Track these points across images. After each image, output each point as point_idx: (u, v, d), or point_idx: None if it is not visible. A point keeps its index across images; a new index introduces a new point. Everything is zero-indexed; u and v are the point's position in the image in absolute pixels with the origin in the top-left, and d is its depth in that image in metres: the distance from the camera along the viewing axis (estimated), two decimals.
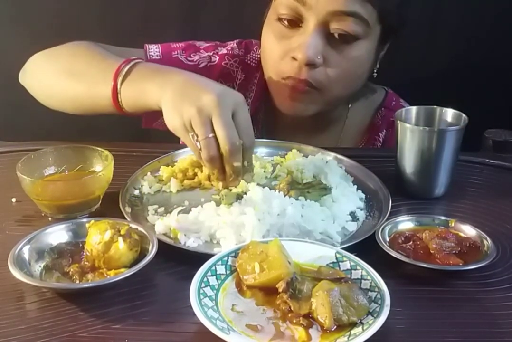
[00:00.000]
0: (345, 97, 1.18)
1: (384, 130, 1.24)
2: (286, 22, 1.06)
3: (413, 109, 0.99)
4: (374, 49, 1.11)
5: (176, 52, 1.21)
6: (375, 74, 1.17)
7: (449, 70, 1.50)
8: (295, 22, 1.05)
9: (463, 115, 0.95)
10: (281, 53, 1.07)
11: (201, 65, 1.21)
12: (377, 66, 1.16)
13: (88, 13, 1.56)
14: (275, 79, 1.11)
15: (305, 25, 1.05)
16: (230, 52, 1.23)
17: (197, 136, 0.86)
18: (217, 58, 1.22)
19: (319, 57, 1.04)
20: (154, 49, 1.21)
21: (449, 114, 0.97)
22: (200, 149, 0.86)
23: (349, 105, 1.24)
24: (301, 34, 1.05)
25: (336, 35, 1.04)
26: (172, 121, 0.88)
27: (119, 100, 0.99)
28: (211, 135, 0.85)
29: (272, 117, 1.23)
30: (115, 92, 0.98)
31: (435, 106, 0.99)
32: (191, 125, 0.86)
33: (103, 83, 0.99)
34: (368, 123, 1.25)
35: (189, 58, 1.21)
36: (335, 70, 1.07)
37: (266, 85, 1.18)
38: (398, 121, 0.94)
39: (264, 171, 1.01)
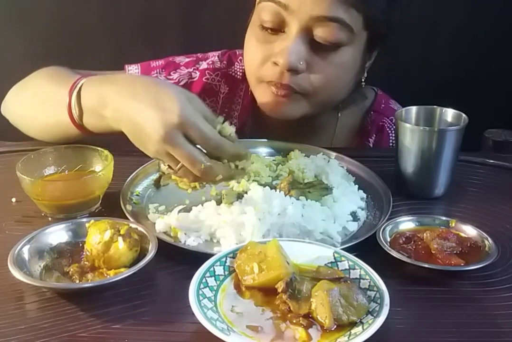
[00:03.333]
0: (332, 103, 1.14)
1: (374, 135, 1.22)
2: (268, 28, 1.03)
3: (413, 109, 0.99)
4: (360, 56, 1.08)
5: (155, 71, 1.21)
6: (363, 83, 1.14)
7: (449, 70, 1.50)
8: (277, 27, 1.02)
9: (463, 115, 0.95)
10: (263, 57, 1.04)
11: (182, 83, 1.20)
12: (365, 75, 1.13)
13: (88, 13, 1.56)
14: (256, 83, 1.08)
15: (288, 31, 1.02)
16: (211, 66, 1.22)
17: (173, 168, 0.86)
18: (198, 73, 1.21)
19: (301, 62, 1.01)
20: (133, 70, 1.21)
21: (449, 114, 0.97)
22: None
23: (339, 112, 1.21)
24: (284, 39, 1.02)
25: (319, 40, 1.01)
26: (144, 151, 0.88)
27: (83, 127, 0.98)
28: (179, 166, 0.85)
29: (260, 127, 1.21)
30: (73, 119, 0.97)
31: (435, 106, 0.99)
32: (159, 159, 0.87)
33: (62, 109, 0.97)
34: (357, 128, 1.23)
35: (169, 77, 1.21)
36: (319, 77, 1.03)
37: (252, 95, 1.16)
38: (398, 121, 0.94)
39: (270, 170, 1.01)
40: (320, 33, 1.00)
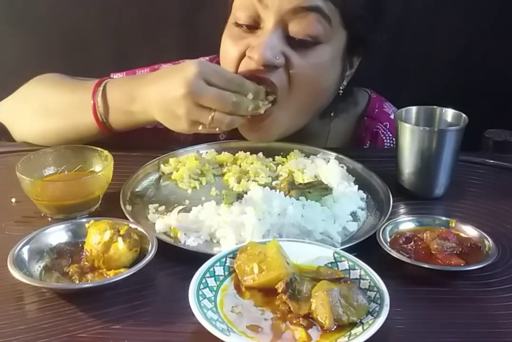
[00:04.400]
0: (314, 109, 1.09)
1: (368, 142, 1.20)
2: (244, 24, 1.01)
3: (413, 109, 0.99)
4: (340, 58, 1.04)
5: None
6: (341, 92, 1.10)
7: (449, 70, 1.50)
8: (253, 23, 1.00)
9: (463, 115, 0.95)
10: (238, 54, 1.02)
11: None
12: (345, 83, 1.10)
13: (88, 14, 1.56)
14: None
15: (264, 26, 0.99)
16: None
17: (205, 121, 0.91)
18: None
19: (277, 57, 0.97)
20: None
21: (449, 114, 0.97)
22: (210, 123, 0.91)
23: (331, 121, 1.17)
24: (259, 35, 1.00)
25: (297, 35, 0.98)
26: (178, 130, 0.97)
27: (107, 126, 1.03)
28: (211, 114, 0.91)
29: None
30: (97, 118, 1.02)
31: (435, 106, 0.98)
32: (193, 120, 0.92)
33: (84, 111, 1.02)
34: (351, 135, 1.21)
35: None
36: (298, 73, 0.99)
37: None
38: (398, 121, 0.94)
39: (270, 170, 1.01)
40: (297, 26, 0.97)
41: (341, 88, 1.10)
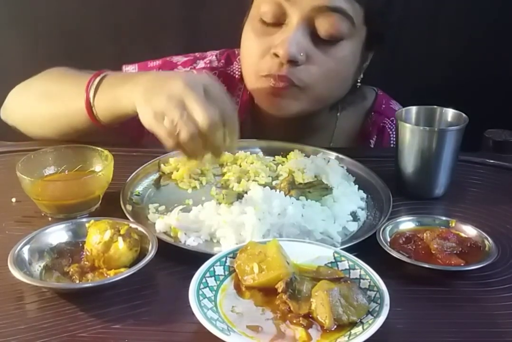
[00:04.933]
0: (329, 101, 1.13)
1: (375, 136, 1.22)
2: (268, 20, 1.02)
3: (413, 109, 0.99)
4: (359, 52, 1.07)
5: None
6: (358, 84, 1.14)
7: (449, 70, 1.50)
8: (277, 19, 1.02)
9: (463, 115, 0.95)
10: (262, 50, 1.03)
11: None
12: (361, 76, 1.13)
13: (88, 14, 1.56)
14: (254, 78, 1.07)
15: (289, 22, 1.01)
16: (208, 65, 1.22)
17: (173, 121, 0.83)
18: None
19: (301, 54, 1.00)
20: (131, 70, 1.21)
21: (449, 114, 0.97)
22: (178, 132, 0.83)
23: (338, 113, 1.20)
24: (284, 31, 1.01)
25: (320, 33, 1.00)
26: (145, 115, 0.86)
27: (94, 113, 1.00)
28: (186, 114, 0.83)
29: (259, 128, 1.20)
30: (89, 105, 0.99)
31: (435, 106, 0.98)
32: (163, 114, 0.84)
33: (77, 98, 1.00)
34: (358, 129, 1.23)
35: None
36: (319, 70, 1.02)
37: (250, 95, 1.15)
38: (398, 121, 0.94)
39: (270, 170, 1.01)
40: (322, 24, 1.00)
41: (358, 80, 1.13)
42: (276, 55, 1.01)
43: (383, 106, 1.23)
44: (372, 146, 1.22)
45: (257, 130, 1.20)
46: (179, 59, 1.24)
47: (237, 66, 1.22)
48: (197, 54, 1.25)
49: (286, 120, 1.11)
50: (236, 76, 1.22)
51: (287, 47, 0.99)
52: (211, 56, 1.24)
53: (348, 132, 1.22)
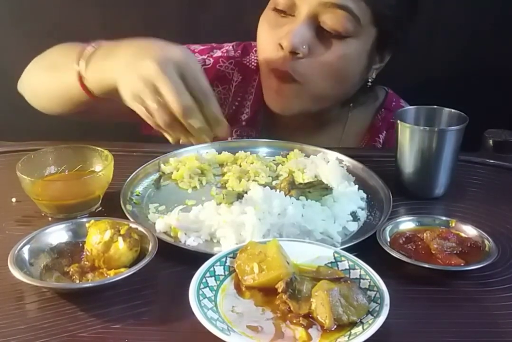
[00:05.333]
0: (333, 99, 1.15)
1: (384, 131, 1.23)
2: (280, 10, 1.06)
3: (413, 109, 0.99)
4: (367, 52, 1.09)
5: None
6: (369, 84, 1.16)
7: (449, 70, 1.50)
8: (288, 10, 1.05)
9: (463, 115, 0.95)
10: (272, 41, 1.07)
11: None
12: (374, 76, 1.15)
13: (88, 14, 1.56)
14: (266, 71, 1.10)
15: (297, 14, 1.04)
16: (225, 54, 1.23)
17: (148, 106, 0.83)
18: (212, 61, 1.22)
19: (304, 46, 1.03)
20: None
21: (449, 114, 0.97)
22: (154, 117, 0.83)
23: (349, 111, 1.22)
24: (292, 22, 1.05)
25: (325, 28, 1.03)
26: (124, 96, 0.86)
27: (86, 85, 0.97)
28: (157, 100, 0.82)
29: (271, 119, 1.23)
30: (81, 77, 0.97)
31: (435, 106, 0.98)
32: (140, 96, 0.83)
33: (71, 70, 0.98)
34: (368, 125, 1.25)
35: None
36: (319, 64, 1.05)
37: None
38: (398, 121, 0.94)
39: (270, 170, 1.01)
40: (327, 20, 1.02)
41: (369, 80, 1.15)
42: (281, 47, 1.04)
43: (393, 103, 1.26)
44: (381, 141, 1.24)
45: (269, 122, 1.23)
46: (196, 47, 1.25)
47: (253, 57, 1.24)
48: (214, 44, 1.27)
49: (295, 115, 1.14)
50: (252, 66, 1.24)
51: (290, 38, 1.02)
52: (228, 46, 1.25)
53: (358, 128, 1.25)
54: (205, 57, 1.22)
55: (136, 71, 0.83)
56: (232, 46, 1.25)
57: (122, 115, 1.01)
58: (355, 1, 1.01)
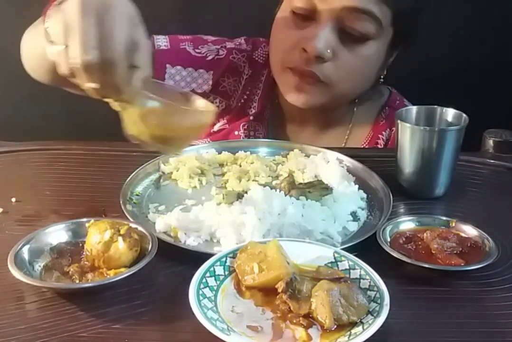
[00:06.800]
0: (351, 96, 1.18)
1: (388, 129, 1.24)
2: (300, 14, 1.07)
3: (413, 109, 0.99)
4: (384, 51, 1.12)
5: (184, 43, 1.22)
6: (381, 80, 1.19)
7: (449, 70, 1.50)
8: (308, 14, 1.06)
9: (463, 115, 0.95)
10: (292, 43, 1.08)
11: (209, 58, 1.22)
12: (385, 72, 1.18)
13: None
14: (280, 68, 1.12)
15: (319, 18, 1.05)
16: (238, 46, 1.24)
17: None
18: (225, 51, 1.23)
19: (329, 51, 1.05)
20: (162, 39, 1.22)
21: (449, 114, 0.97)
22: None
23: (355, 107, 1.24)
24: (314, 26, 1.06)
25: (348, 32, 1.05)
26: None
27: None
28: (63, 47, 0.69)
29: (278, 114, 1.24)
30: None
31: (435, 106, 0.98)
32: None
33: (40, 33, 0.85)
34: (372, 122, 1.26)
35: (197, 50, 1.22)
36: (344, 67, 1.07)
37: (273, 82, 1.19)
38: (398, 121, 0.94)
39: (270, 170, 1.01)
40: (351, 24, 1.04)
41: (381, 76, 1.18)
42: (305, 50, 1.05)
43: (397, 101, 1.27)
44: (384, 138, 1.24)
45: (276, 117, 1.24)
46: (209, 37, 1.26)
47: (261, 51, 1.25)
48: (225, 38, 1.27)
49: (305, 110, 1.15)
50: (260, 61, 1.25)
51: (315, 43, 1.04)
52: (240, 39, 1.26)
53: (363, 125, 1.26)
54: (218, 47, 1.23)
55: (60, 12, 0.70)
56: (244, 40, 1.26)
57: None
58: (377, 5, 1.03)
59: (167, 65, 1.19)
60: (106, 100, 0.74)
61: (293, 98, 1.13)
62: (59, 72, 0.72)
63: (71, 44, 0.69)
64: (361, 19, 1.04)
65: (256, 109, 1.23)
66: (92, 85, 0.70)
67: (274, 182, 0.97)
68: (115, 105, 0.76)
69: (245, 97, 1.24)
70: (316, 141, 1.16)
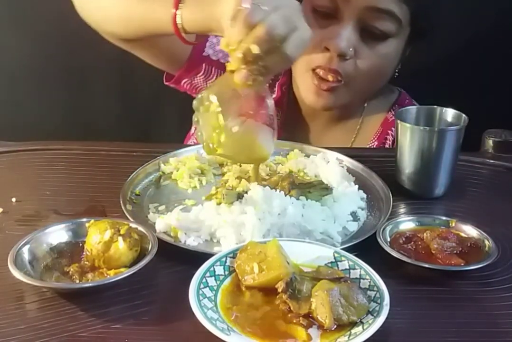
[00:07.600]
0: (369, 93, 1.22)
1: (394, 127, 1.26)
2: (321, 12, 1.10)
3: (413, 109, 0.99)
4: (402, 49, 1.15)
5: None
6: (396, 74, 1.21)
7: (449, 70, 1.50)
8: (330, 14, 1.09)
9: (463, 115, 0.95)
10: (315, 42, 1.08)
11: None
12: (399, 66, 1.20)
13: None
14: (304, 70, 1.14)
15: (341, 18, 1.08)
16: None
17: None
18: None
19: (351, 49, 1.08)
20: None
21: (449, 114, 0.97)
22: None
23: (365, 103, 1.26)
24: (336, 25, 1.09)
25: (369, 30, 1.08)
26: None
27: (179, 23, 0.94)
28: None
29: (294, 104, 1.26)
30: (175, 14, 0.94)
31: (435, 106, 0.99)
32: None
33: (166, 7, 0.95)
34: (382, 118, 1.28)
35: None
36: (365, 64, 1.10)
37: (288, 80, 1.22)
38: (398, 121, 0.94)
39: (270, 170, 1.01)
40: (372, 23, 1.07)
41: (396, 70, 1.21)
42: (327, 49, 1.08)
43: (407, 100, 1.29)
44: (393, 135, 1.25)
45: (288, 114, 1.26)
46: None
47: None
48: None
49: (319, 110, 1.18)
50: None
51: (338, 42, 1.07)
52: None
53: (373, 122, 1.27)
54: None
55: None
56: None
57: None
58: (398, 4, 1.06)
59: None
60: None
61: (312, 101, 1.15)
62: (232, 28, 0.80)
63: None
64: (382, 19, 1.07)
65: (276, 93, 1.25)
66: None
67: (272, 179, 0.96)
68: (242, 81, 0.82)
69: (270, 81, 1.24)
70: (325, 135, 1.19)
